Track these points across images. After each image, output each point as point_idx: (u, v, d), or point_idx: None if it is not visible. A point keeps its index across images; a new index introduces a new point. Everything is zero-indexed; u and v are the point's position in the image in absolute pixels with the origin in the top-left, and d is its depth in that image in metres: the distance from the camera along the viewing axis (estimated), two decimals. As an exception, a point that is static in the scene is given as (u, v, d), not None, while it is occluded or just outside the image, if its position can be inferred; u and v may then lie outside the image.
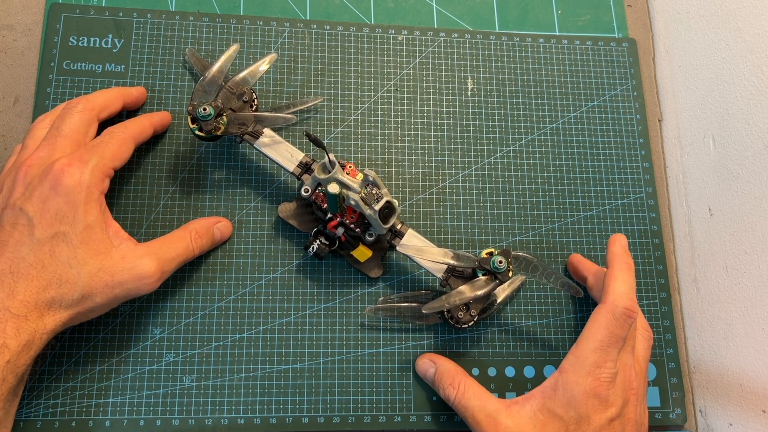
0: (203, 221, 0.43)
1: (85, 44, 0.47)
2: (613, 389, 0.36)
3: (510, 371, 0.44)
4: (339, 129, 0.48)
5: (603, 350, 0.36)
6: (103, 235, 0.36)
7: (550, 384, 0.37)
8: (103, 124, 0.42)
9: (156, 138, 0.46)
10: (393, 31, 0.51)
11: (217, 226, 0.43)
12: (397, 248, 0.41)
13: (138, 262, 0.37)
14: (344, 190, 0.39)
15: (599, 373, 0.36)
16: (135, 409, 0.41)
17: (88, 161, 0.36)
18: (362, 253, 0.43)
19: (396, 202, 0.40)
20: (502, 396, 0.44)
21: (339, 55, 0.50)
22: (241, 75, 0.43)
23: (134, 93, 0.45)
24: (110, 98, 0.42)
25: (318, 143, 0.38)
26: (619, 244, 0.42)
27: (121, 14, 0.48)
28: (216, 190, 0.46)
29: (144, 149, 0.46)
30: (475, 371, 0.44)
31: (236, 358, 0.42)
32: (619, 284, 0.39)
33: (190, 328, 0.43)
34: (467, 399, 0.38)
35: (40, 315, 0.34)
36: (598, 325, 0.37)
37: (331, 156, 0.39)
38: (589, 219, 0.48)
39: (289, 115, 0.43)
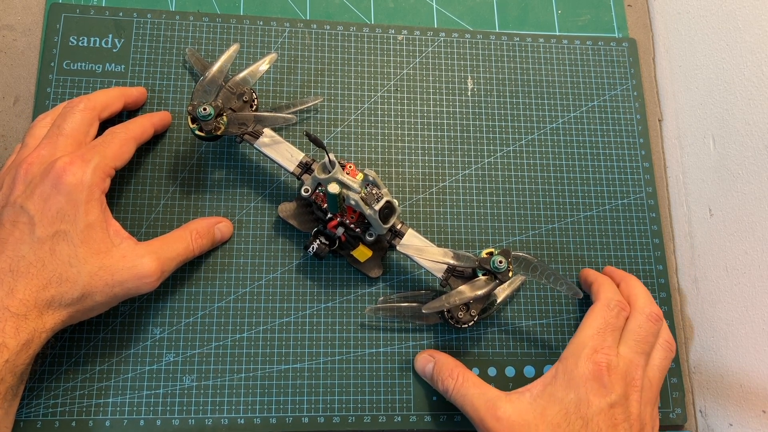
0: (204, 221, 0.43)
1: (85, 44, 0.47)
2: (612, 376, 0.36)
3: (510, 371, 0.44)
4: (339, 129, 0.48)
5: (600, 335, 0.38)
6: (103, 234, 0.36)
7: (550, 372, 0.38)
8: (104, 125, 0.42)
9: (156, 138, 0.46)
10: (393, 31, 0.51)
11: (218, 226, 0.43)
12: (397, 248, 0.41)
13: (138, 261, 0.37)
14: (344, 190, 0.39)
15: (597, 357, 0.37)
16: (135, 409, 0.41)
17: (90, 160, 0.36)
18: (362, 253, 0.43)
19: (396, 202, 0.40)
20: (502, 396, 0.44)
21: (339, 55, 0.50)
22: (241, 75, 0.43)
23: (135, 93, 0.45)
24: (111, 98, 0.42)
25: (318, 143, 0.38)
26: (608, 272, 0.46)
27: (121, 14, 0.48)
28: (216, 190, 0.46)
29: (144, 149, 0.46)
30: (475, 371, 0.44)
31: (236, 358, 0.42)
32: (607, 285, 0.42)
33: (190, 328, 0.43)
34: (466, 388, 0.38)
35: (40, 314, 0.34)
36: (594, 315, 0.40)
37: (331, 156, 0.39)
38: (589, 219, 0.48)
39: (289, 115, 0.43)
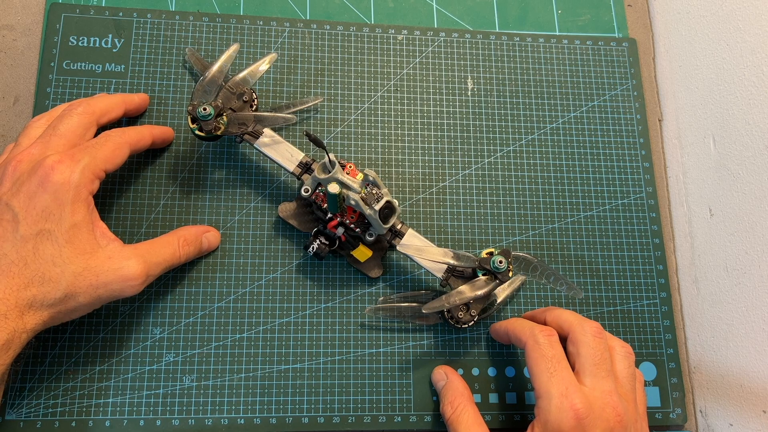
0: (192, 229, 0.43)
1: (85, 44, 0.47)
2: (590, 419, 0.34)
3: (510, 371, 0.44)
4: (339, 129, 0.48)
5: (554, 377, 0.35)
6: (89, 235, 0.36)
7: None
8: (104, 130, 0.41)
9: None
10: (393, 31, 0.51)
11: (206, 235, 0.43)
12: (397, 248, 0.41)
13: (124, 263, 0.36)
14: (344, 190, 0.39)
15: (571, 403, 0.34)
16: (135, 409, 0.41)
17: (79, 160, 0.36)
18: (362, 253, 0.43)
19: (396, 202, 0.40)
20: (502, 396, 0.44)
21: (339, 55, 0.50)
22: (241, 75, 0.43)
23: (136, 100, 0.44)
24: (112, 104, 0.42)
25: (318, 143, 0.38)
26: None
27: (121, 14, 0.48)
28: (216, 190, 0.46)
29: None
30: (475, 371, 0.44)
31: (236, 358, 0.42)
32: (520, 324, 0.40)
33: (190, 328, 0.43)
34: (458, 423, 0.39)
35: (20, 314, 0.33)
36: (533, 361, 0.36)
37: (331, 156, 0.39)
38: (589, 219, 0.48)
39: (289, 115, 0.43)
